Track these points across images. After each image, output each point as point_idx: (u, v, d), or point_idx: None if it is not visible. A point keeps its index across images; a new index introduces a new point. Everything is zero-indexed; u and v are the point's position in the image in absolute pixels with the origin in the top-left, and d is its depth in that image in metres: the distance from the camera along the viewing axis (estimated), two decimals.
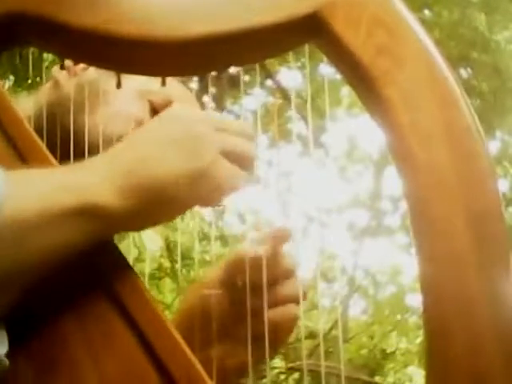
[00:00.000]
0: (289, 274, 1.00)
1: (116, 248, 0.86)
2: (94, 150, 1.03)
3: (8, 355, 0.76)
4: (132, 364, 0.80)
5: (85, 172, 0.81)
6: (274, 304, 0.97)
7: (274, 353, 1.01)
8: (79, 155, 1.00)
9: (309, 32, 0.83)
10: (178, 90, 1.17)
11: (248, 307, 0.92)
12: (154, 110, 1.15)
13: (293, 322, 1.00)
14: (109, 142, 1.06)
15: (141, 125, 1.10)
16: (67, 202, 0.78)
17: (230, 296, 1.01)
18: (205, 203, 0.87)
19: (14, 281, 0.76)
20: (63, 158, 0.97)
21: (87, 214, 0.78)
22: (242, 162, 0.85)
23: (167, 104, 1.13)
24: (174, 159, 0.82)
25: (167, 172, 0.81)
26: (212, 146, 0.83)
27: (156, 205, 0.82)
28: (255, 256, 0.96)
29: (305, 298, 1.01)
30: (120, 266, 0.84)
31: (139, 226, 0.87)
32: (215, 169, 0.83)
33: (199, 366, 0.81)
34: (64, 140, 1.03)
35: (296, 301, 0.99)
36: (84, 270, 0.82)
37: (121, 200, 0.80)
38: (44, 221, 0.76)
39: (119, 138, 1.08)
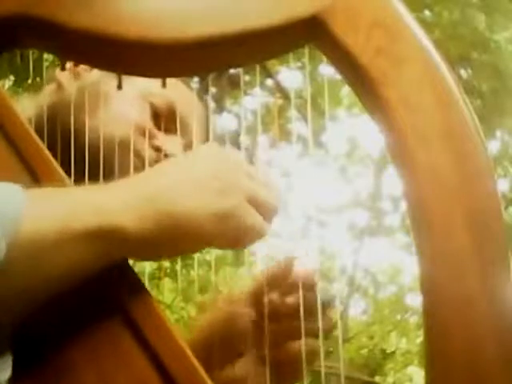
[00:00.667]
0: (317, 309, 0.98)
1: (131, 270, 0.85)
2: (94, 152, 1.03)
3: (11, 380, 0.75)
4: (137, 372, 0.79)
5: (106, 194, 0.80)
6: (300, 335, 0.95)
7: (292, 382, 0.99)
8: (80, 157, 1.00)
9: (308, 34, 0.83)
10: (179, 91, 1.16)
11: (267, 331, 0.91)
12: (156, 113, 1.15)
13: (311, 357, 0.96)
14: (109, 145, 1.06)
15: (141, 129, 1.10)
16: (87, 222, 0.76)
17: (255, 315, 1.00)
18: (221, 245, 0.86)
19: (27, 300, 0.75)
20: (63, 160, 0.97)
21: (105, 235, 0.77)
22: (265, 212, 0.85)
23: (169, 106, 1.14)
24: (200, 196, 0.81)
25: (190, 206, 0.80)
26: (239, 190, 0.83)
27: (174, 236, 0.81)
28: (287, 281, 0.96)
29: (330, 332, 0.99)
30: (135, 288, 0.83)
31: (155, 255, 0.86)
32: (239, 213, 0.82)
33: (202, 371, 0.80)
34: (64, 142, 1.03)
35: (322, 336, 0.97)
36: (98, 293, 0.81)
37: (140, 226, 0.78)
38: (61, 241, 0.75)
39: (120, 141, 1.08)
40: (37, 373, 0.78)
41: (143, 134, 1.10)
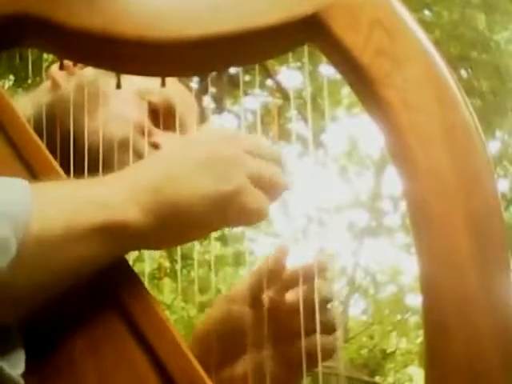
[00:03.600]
0: (325, 303, 0.97)
1: (129, 267, 0.85)
2: (93, 152, 1.03)
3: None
4: (135, 369, 0.80)
5: (109, 188, 0.80)
6: (306, 331, 0.93)
7: (299, 379, 0.98)
8: (78, 156, 1.00)
9: (308, 33, 0.83)
10: (177, 89, 1.16)
11: (268, 328, 0.91)
12: (154, 111, 1.15)
13: (329, 353, 0.94)
14: (108, 144, 1.06)
15: (140, 127, 1.10)
16: (92, 219, 0.76)
17: (255, 312, 1.00)
18: (228, 226, 0.86)
19: (38, 297, 0.76)
20: (62, 159, 0.97)
21: (112, 231, 0.77)
22: (270, 188, 0.83)
23: (167, 104, 1.14)
24: (202, 181, 0.80)
25: (194, 193, 0.79)
26: (241, 170, 0.81)
27: (180, 225, 0.80)
28: (283, 275, 0.95)
29: (334, 330, 0.97)
30: (132, 283, 0.84)
31: (162, 245, 0.85)
32: (242, 193, 0.80)
33: (200, 369, 0.80)
34: (63, 141, 1.03)
35: (331, 331, 0.95)
36: (96, 287, 0.81)
37: (145, 218, 0.78)
38: (69, 238, 0.75)
39: (119, 140, 1.08)
40: (37, 369, 0.79)
41: (142, 132, 1.10)
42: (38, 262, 0.74)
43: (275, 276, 0.97)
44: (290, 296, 0.97)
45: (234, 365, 0.97)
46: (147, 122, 1.12)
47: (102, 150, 1.03)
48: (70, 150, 1.00)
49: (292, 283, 0.96)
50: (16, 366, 0.74)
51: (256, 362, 0.97)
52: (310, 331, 0.90)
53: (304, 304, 0.90)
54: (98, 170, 1.01)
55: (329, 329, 0.95)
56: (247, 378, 0.95)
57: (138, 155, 1.06)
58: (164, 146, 1.08)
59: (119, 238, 0.78)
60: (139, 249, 0.85)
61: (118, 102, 1.13)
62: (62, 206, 0.77)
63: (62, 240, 0.75)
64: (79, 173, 0.97)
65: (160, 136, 1.11)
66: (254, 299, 0.98)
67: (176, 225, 0.80)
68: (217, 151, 0.82)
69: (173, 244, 0.86)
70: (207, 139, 0.84)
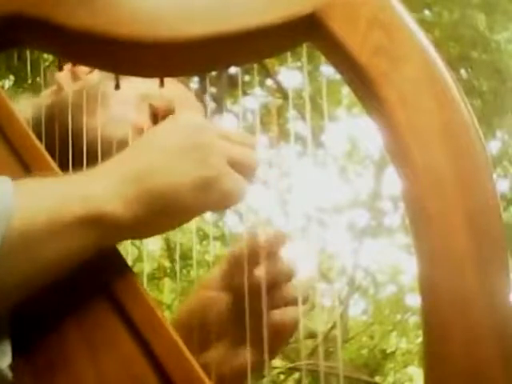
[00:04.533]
0: (288, 277, 1.00)
1: (119, 254, 0.86)
2: (92, 154, 1.03)
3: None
4: (132, 368, 0.80)
5: (91, 180, 0.81)
6: (274, 306, 0.97)
7: (273, 355, 1.01)
8: (78, 158, 1.00)
9: (307, 33, 0.83)
10: (178, 91, 1.16)
11: (246, 308, 0.92)
12: (155, 114, 1.15)
13: (293, 324, 0.99)
14: (107, 146, 1.06)
15: (139, 129, 1.10)
16: (75, 212, 0.78)
17: (229, 297, 1.01)
18: (210, 210, 0.88)
19: (25, 289, 0.76)
20: (62, 161, 0.97)
21: (95, 223, 0.79)
22: (246, 170, 0.86)
23: (168, 107, 1.13)
24: (182, 168, 0.82)
25: (175, 181, 0.81)
26: (219, 154, 0.83)
27: (163, 213, 0.82)
28: (252, 256, 0.96)
29: (305, 301, 1.00)
30: (122, 271, 0.84)
31: (146, 234, 0.87)
32: (223, 178, 0.83)
33: (199, 369, 0.81)
34: (63, 142, 1.03)
35: (296, 303, 0.99)
36: (86, 277, 0.82)
37: (128, 208, 0.80)
38: (52, 231, 0.77)
39: (118, 142, 1.08)
40: (28, 357, 0.79)
41: (141, 133, 1.10)
42: (23, 255, 0.75)
43: (244, 259, 0.98)
44: (255, 275, 0.99)
45: (210, 351, 0.98)
46: (148, 124, 1.12)
47: (101, 151, 1.03)
48: (68, 150, 1.00)
49: (255, 262, 0.97)
50: (3, 357, 0.75)
51: (231, 347, 0.99)
52: (276, 307, 0.94)
53: (267, 280, 0.93)
54: None
55: (293, 302, 0.98)
56: (223, 363, 0.96)
57: None
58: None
59: (103, 229, 0.79)
60: (126, 239, 0.87)
61: (117, 104, 1.13)
62: (44, 199, 0.78)
63: (46, 233, 0.76)
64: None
65: None
66: (226, 284, 1.00)
67: (160, 212, 0.82)
68: (193, 138, 0.84)
69: (158, 231, 0.87)
70: (183, 127, 0.86)
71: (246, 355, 0.94)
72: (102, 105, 1.11)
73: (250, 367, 0.94)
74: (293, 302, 0.98)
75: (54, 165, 0.90)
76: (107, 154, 1.05)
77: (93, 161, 1.02)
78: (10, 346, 0.77)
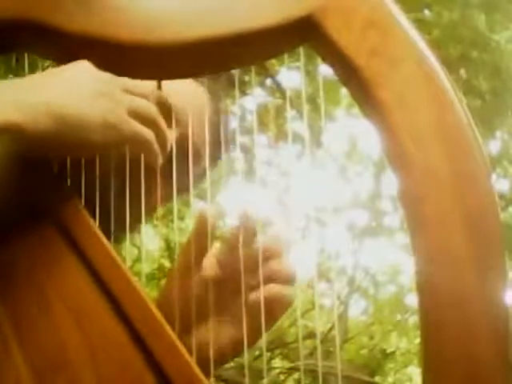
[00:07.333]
0: (272, 255, 1.01)
1: (64, 183, 0.93)
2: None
3: None
4: (127, 364, 0.80)
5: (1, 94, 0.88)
6: (260, 284, 0.98)
7: (258, 334, 1.01)
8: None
9: (303, 35, 0.83)
10: (188, 87, 1.17)
11: (228, 287, 0.93)
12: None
13: (279, 301, 1.00)
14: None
15: None
16: None
17: (201, 280, 1.02)
18: (116, 151, 0.97)
19: None
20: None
21: (2, 132, 0.85)
22: (146, 122, 0.95)
23: (166, 107, 1.13)
24: (92, 108, 0.90)
25: (80, 109, 0.89)
26: (119, 104, 0.92)
27: (69, 136, 0.89)
28: (228, 237, 0.99)
29: (294, 278, 1.02)
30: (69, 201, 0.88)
31: (56, 152, 0.94)
32: (123, 124, 0.92)
33: (196, 368, 0.81)
34: None
35: (283, 281, 1.00)
36: (31, 208, 0.85)
37: (34, 124, 0.86)
38: None
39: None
40: None
41: None
42: None
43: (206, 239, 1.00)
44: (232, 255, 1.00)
45: (189, 335, 0.98)
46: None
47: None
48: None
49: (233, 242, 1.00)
50: None
51: (212, 329, 1.00)
52: (256, 285, 0.95)
53: (253, 258, 0.96)
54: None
55: (280, 279, 1.00)
56: (208, 345, 0.97)
57: None
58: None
59: (13, 138, 0.87)
60: (39, 153, 0.93)
61: None
62: None
63: None
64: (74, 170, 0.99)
65: None
66: (196, 267, 1.01)
67: (67, 135, 0.89)
68: (97, 86, 0.91)
69: (72, 153, 0.96)
70: (87, 75, 0.92)
71: (231, 333, 0.96)
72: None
73: (235, 346, 0.95)
74: (280, 280, 1.00)
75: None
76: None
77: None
78: None
